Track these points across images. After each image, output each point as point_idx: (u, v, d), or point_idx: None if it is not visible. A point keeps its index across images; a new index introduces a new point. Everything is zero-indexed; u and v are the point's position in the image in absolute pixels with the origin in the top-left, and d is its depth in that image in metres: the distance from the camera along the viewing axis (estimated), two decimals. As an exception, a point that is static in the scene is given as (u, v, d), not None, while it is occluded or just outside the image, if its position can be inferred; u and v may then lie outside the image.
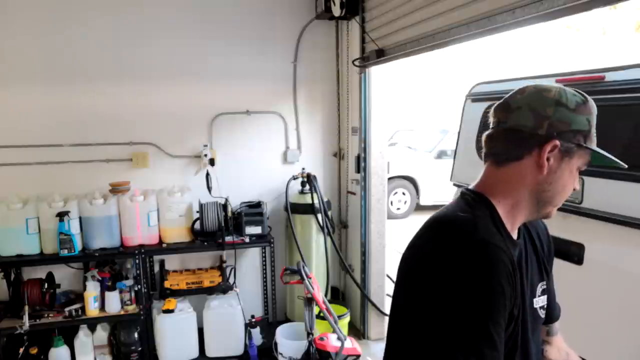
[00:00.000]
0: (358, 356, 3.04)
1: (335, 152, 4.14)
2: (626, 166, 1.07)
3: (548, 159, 0.97)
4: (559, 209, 2.22)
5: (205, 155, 3.65)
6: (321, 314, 2.90)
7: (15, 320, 3.09)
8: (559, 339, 1.28)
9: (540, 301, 1.10)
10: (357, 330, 3.89)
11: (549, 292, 1.16)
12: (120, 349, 3.34)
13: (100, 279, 3.33)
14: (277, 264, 3.69)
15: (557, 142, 0.96)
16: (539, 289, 1.10)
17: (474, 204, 1.01)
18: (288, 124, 3.97)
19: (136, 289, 3.31)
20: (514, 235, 1.04)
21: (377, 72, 3.61)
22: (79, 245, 3.19)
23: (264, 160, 3.94)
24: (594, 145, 1.00)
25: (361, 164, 3.73)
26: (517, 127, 0.98)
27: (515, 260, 0.95)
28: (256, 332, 3.56)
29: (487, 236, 0.93)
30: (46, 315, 3.20)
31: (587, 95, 1.01)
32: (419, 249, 0.99)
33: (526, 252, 1.07)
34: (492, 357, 0.85)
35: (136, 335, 3.34)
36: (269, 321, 3.75)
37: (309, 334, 2.81)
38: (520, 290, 0.98)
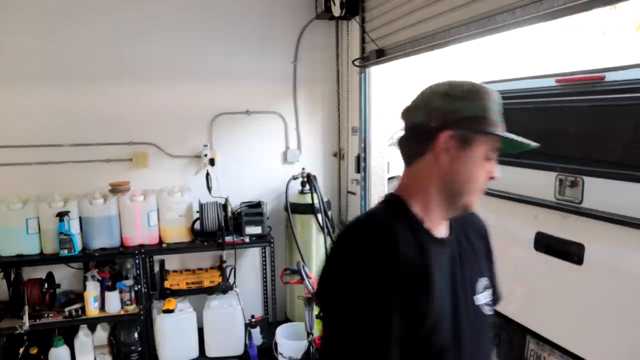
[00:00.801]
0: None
1: (335, 152, 4.14)
2: (538, 145, 1.04)
3: (447, 150, 0.97)
4: (559, 209, 2.22)
5: (205, 155, 3.65)
6: (321, 314, 2.90)
7: (15, 320, 3.09)
8: None
9: (483, 297, 1.08)
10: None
11: (493, 286, 1.16)
12: (120, 349, 3.34)
13: (100, 279, 3.33)
14: (277, 264, 3.69)
15: (449, 132, 0.96)
16: (480, 285, 1.09)
17: (384, 208, 1.03)
18: (288, 124, 3.97)
19: (136, 289, 3.31)
20: (441, 233, 1.04)
21: (377, 72, 3.61)
22: (79, 245, 3.19)
23: (264, 160, 3.94)
24: (498, 130, 0.99)
25: (361, 164, 3.73)
26: (414, 124, 1.02)
27: (425, 262, 0.94)
28: (256, 332, 3.56)
29: (379, 245, 0.92)
30: (46, 315, 3.20)
31: (481, 84, 1.01)
32: (327, 257, 1.03)
33: (461, 248, 1.07)
34: None
35: (136, 335, 3.34)
36: (269, 321, 3.75)
37: (309, 334, 2.81)
38: (448, 290, 0.98)
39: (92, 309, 3.23)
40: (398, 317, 0.89)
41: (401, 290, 0.89)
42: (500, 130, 0.99)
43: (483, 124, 0.97)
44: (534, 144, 1.03)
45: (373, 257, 0.90)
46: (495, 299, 1.18)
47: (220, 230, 3.44)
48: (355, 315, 0.89)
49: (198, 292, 3.54)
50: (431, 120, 0.98)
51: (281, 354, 3.25)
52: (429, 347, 0.94)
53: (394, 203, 1.03)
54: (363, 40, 3.61)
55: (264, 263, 3.82)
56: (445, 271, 1.00)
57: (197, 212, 3.49)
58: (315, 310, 2.84)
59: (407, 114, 1.04)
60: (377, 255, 0.90)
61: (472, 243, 1.13)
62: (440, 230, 1.04)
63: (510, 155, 2.61)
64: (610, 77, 2.01)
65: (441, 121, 0.97)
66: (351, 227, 1.02)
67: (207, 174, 3.65)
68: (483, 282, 1.10)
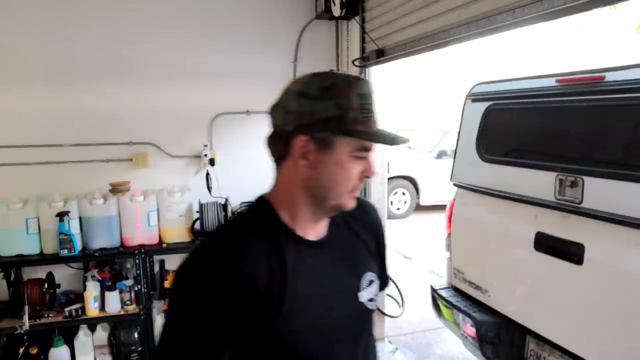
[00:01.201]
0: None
1: (335, 152, 4.13)
2: (407, 139, 0.97)
3: (304, 155, 0.93)
4: (559, 209, 2.22)
5: (205, 155, 3.65)
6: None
7: (15, 320, 3.08)
8: None
9: (367, 293, 1.05)
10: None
11: (380, 279, 1.15)
12: (120, 349, 3.34)
13: (100, 279, 3.33)
14: (277, 264, 3.69)
15: (305, 137, 0.92)
16: (365, 281, 1.06)
17: (248, 214, 1.03)
18: (288, 124, 3.96)
19: (136, 289, 3.31)
20: (315, 235, 1.01)
21: (377, 72, 3.61)
22: (79, 245, 3.19)
23: (264, 160, 3.89)
24: (359, 128, 0.91)
25: (361, 164, 3.73)
26: (274, 127, 0.98)
27: (284, 272, 0.92)
28: (256, 332, 3.56)
29: (218, 266, 0.90)
30: (46, 315, 3.20)
31: (346, 75, 0.95)
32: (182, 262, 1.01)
33: (343, 246, 1.05)
34: None
35: (136, 335, 3.34)
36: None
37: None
38: (319, 293, 0.97)
39: (92, 309, 3.23)
40: (232, 331, 0.89)
41: (239, 307, 0.88)
42: (365, 126, 0.91)
43: (342, 123, 0.90)
44: (403, 138, 0.95)
45: (209, 277, 0.89)
46: (382, 284, 1.18)
47: (220, 230, 3.43)
48: (186, 330, 0.88)
49: (198, 292, 3.53)
50: (287, 123, 0.93)
51: (281, 354, 3.25)
52: (292, 353, 0.93)
53: (261, 208, 1.01)
54: (363, 40, 3.61)
55: (264, 263, 3.82)
56: (320, 273, 0.99)
57: (197, 212, 3.49)
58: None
59: (270, 115, 0.99)
60: (214, 277, 0.88)
61: (358, 237, 1.10)
62: (316, 231, 1.01)
63: (510, 156, 2.62)
64: (610, 77, 2.01)
65: (296, 125, 0.92)
66: (203, 242, 0.98)
67: (207, 174, 3.65)
68: (368, 277, 1.07)
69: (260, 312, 0.89)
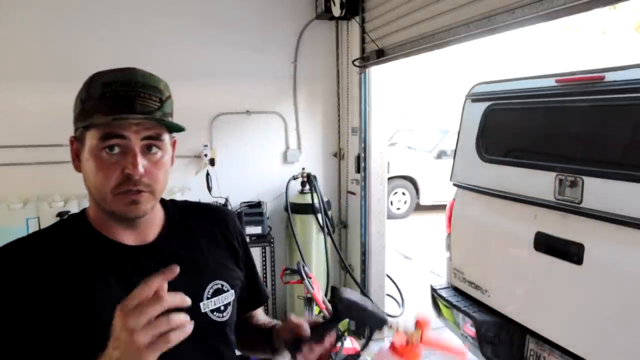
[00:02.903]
0: (358, 355, 3.04)
1: (335, 152, 4.14)
2: (184, 128, 0.95)
3: (77, 156, 0.91)
4: (559, 209, 2.22)
5: (205, 155, 3.65)
6: (321, 314, 2.90)
7: (16, 320, 3.09)
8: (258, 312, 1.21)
9: (211, 304, 0.97)
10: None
11: (243, 286, 1.07)
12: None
13: (100, 278, 3.33)
14: (277, 264, 3.70)
15: (71, 136, 0.92)
16: (208, 290, 0.98)
17: (60, 223, 0.98)
18: (288, 124, 3.97)
19: (136, 288, 3.31)
20: (134, 240, 0.93)
21: (377, 72, 3.61)
22: (79, 245, 3.19)
23: (264, 160, 3.94)
24: (94, 118, 0.84)
25: (361, 164, 3.73)
26: None
27: (84, 279, 0.85)
28: (256, 332, 3.56)
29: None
30: (46, 315, 3.20)
31: (99, 72, 0.92)
32: None
33: (178, 253, 0.97)
34: None
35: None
36: (269, 321, 3.75)
37: (309, 333, 2.81)
38: None
39: (92, 309, 3.23)
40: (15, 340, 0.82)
41: (25, 315, 0.82)
42: (105, 114, 0.83)
43: (82, 116, 0.87)
44: (180, 126, 0.95)
45: None
46: (254, 298, 1.14)
47: (220, 230, 3.44)
48: None
49: (198, 292, 3.53)
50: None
51: (281, 353, 3.25)
52: None
53: (74, 216, 0.98)
54: (363, 41, 3.61)
55: (264, 263, 3.82)
56: (139, 280, 0.83)
57: (197, 212, 3.49)
58: (316, 310, 2.84)
59: None
60: None
61: (200, 244, 1.02)
62: (137, 236, 0.94)
63: (510, 156, 2.62)
64: (609, 77, 2.01)
65: (74, 126, 0.91)
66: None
67: (207, 174, 3.66)
68: (215, 286, 0.99)
69: (47, 327, 0.82)
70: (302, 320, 0.97)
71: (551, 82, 2.31)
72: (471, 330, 2.60)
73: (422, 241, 6.74)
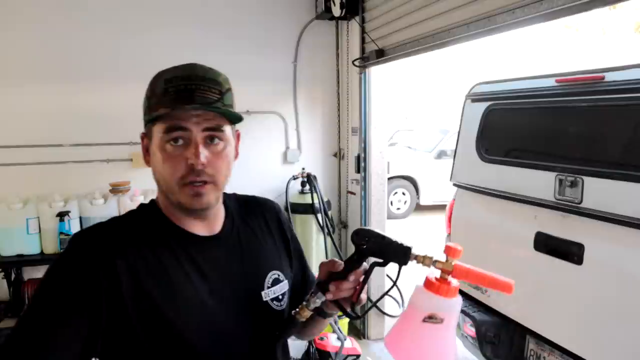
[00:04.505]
0: (358, 356, 3.04)
1: (335, 152, 4.14)
2: (242, 118, 1.01)
3: (146, 150, 0.97)
4: (559, 209, 2.22)
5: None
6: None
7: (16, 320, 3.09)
8: None
9: (271, 292, 1.01)
10: (357, 330, 3.89)
11: (295, 277, 1.11)
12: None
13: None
14: (277, 264, 3.69)
15: (142, 132, 0.98)
16: (268, 280, 1.01)
17: (132, 212, 1.00)
18: (288, 123, 3.97)
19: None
20: (204, 230, 0.97)
21: (377, 72, 3.61)
22: (79, 245, 3.19)
23: (264, 160, 3.94)
24: (160, 111, 0.88)
25: (361, 164, 3.73)
26: None
27: (157, 266, 0.88)
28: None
29: (79, 248, 0.87)
30: (46, 315, 3.20)
31: (163, 70, 0.95)
32: None
33: (241, 243, 1.01)
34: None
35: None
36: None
37: (309, 333, 2.81)
38: (207, 289, 0.92)
39: (92, 309, 3.23)
40: (84, 321, 0.83)
41: (93, 297, 0.83)
42: (167, 108, 0.88)
43: (148, 112, 0.93)
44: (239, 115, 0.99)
45: (68, 263, 0.87)
46: (303, 285, 1.14)
47: (220, 230, 3.43)
48: (31, 314, 0.84)
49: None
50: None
51: (281, 353, 3.25)
52: (180, 353, 0.89)
53: (146, 206, 1.00)
54: (363, 41, 3.61)
55: (264, 263, 3.82)
56: (211, 270, 0.94)
57: (197, 212, 3.49)
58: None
59: None
60: (72, 262, 0.86)
61: (257, 235, 1.06)
62: (206, 227, 0.98)
63: (510, 156, 2.62)
64: (609, 77, 2.01)
65: (144, 123, 0.97)
66: (75, 235, 0.93)
67: (207, 174, 3.65)
68: (273, 275, 1.03)
69: (126, 306, 0.85)
70: (332, 259, 0.97)
71: (551, 82, 2.31)
72: (471, 330, 2.60)
73: (422, 241, 6.74)
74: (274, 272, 1.03)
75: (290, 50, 3.88)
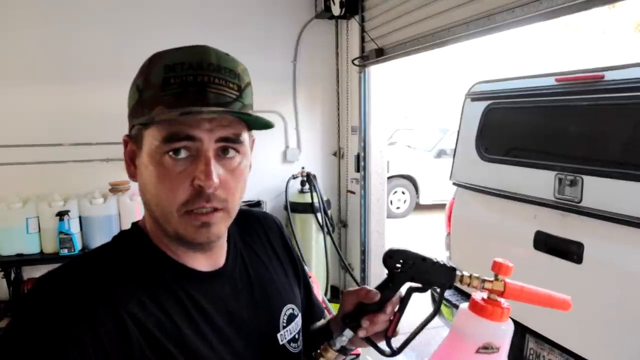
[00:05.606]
0: (357, 355, 3.04)
1: (335, 151, 4.14)
2: (273, 124, 0.71)
3: (130, 160, 0.70)
4: (558, 208, 2.22)
5: (205, 154, 3.65)
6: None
7: (16, 320, 3.09)
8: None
9: (288, 333, 0.81)
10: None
11: (307, 309, 0.92)
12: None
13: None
14: (277, 263, 3.69)
15: (125, 136, 0.71)
16: (284, 318, 0.82)
17: (113, 243, 0.73)
18: (288, 123, 3.97)
19: (136, 288, 3.31)
20: (207, 264, 0.75)
21: (377, 71, 3.61)
22: (79, 245, 3.19)
23: (263, 159, 3.94)
24: (156, 111, 0.64)
25: (361, 163, 3.73)
26: None
27: (155, 319, 0.66)
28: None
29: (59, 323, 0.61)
30: (46, 314, 3.20)
31: (162, 51, 0.72)
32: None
33: (249, 276, 0.81)
34: None
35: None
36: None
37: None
38: (217, 336, 0.71)
39: (92, 309, 3.23)
40: None
41: None
42: (169, 105, 0.63)
43: (139, 111, 0.66)
44: (271, 122, 0.70)
45: (42, 338, 0.61)
46: (309, 315, 0.94)
47: (220, 230, 3.44)
48: None
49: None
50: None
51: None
52: None
53: (130, 232, 0.75)
54: (363, 40, 3.61)
55: (263, 262, 3.82)
56: (217, 314, 0.73)
57: (197, 211, 3.49)
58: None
59: None
60: (50, 337, 0.61)
61: (264, 262, 0.85)
62: (209, 260, 0.75)
63: (510, 155, 2.62)
64: (609, 76, 2.01)
65: (129, 122, 0.70)
66: (45, 281, 0.66)
67: (207, 174, 3.65)
68: (287, 311, 0.83)
69: None
70: (363, 287, 0.79)
71: (551, 81, 2.31)
72: (471, 329, 2.60)
73: (421, 241, 6.74)
74: (289, 306, 0.84)
75: (289, 49, 3.88)
